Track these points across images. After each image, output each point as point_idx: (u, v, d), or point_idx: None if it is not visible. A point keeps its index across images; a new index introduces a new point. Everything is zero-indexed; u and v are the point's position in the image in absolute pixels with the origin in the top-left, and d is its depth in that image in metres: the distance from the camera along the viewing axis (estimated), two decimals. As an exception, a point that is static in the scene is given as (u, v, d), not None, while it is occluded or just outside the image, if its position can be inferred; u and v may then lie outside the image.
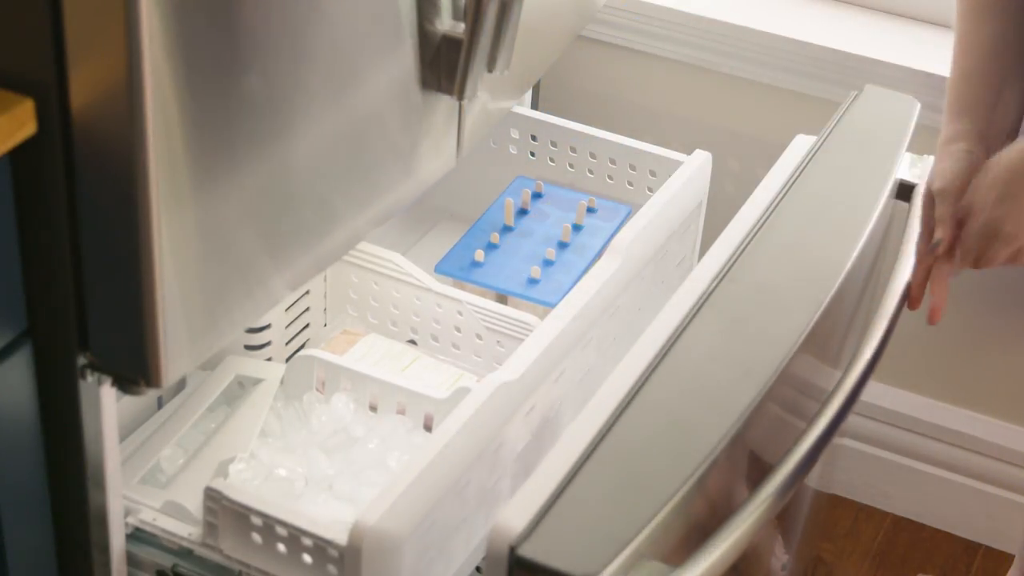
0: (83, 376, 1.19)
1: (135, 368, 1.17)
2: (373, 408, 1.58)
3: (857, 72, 1.92)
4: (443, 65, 1.39)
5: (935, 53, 1.94)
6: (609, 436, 1.18)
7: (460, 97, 1.40)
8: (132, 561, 1.37)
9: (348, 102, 1.29)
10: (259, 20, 1.14)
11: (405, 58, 1.35)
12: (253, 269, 1.23)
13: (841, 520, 2.14)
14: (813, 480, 1.70)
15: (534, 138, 1.89)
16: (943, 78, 1.64)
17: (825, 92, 1.95)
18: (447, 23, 1.38)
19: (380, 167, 1.38)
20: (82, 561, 1.29)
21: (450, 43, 1.38)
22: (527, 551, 1.08)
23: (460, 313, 1.67)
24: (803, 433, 1.26)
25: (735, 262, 1.39)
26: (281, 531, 1.31)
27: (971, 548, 2.11)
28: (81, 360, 1.18)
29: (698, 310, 1.31)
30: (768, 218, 1.47)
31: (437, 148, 1.46)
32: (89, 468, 1.24)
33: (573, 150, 1.88)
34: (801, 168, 1.56)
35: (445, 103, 1.44)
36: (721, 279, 1.36)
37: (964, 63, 1.39)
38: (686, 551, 1.12)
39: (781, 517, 1.54)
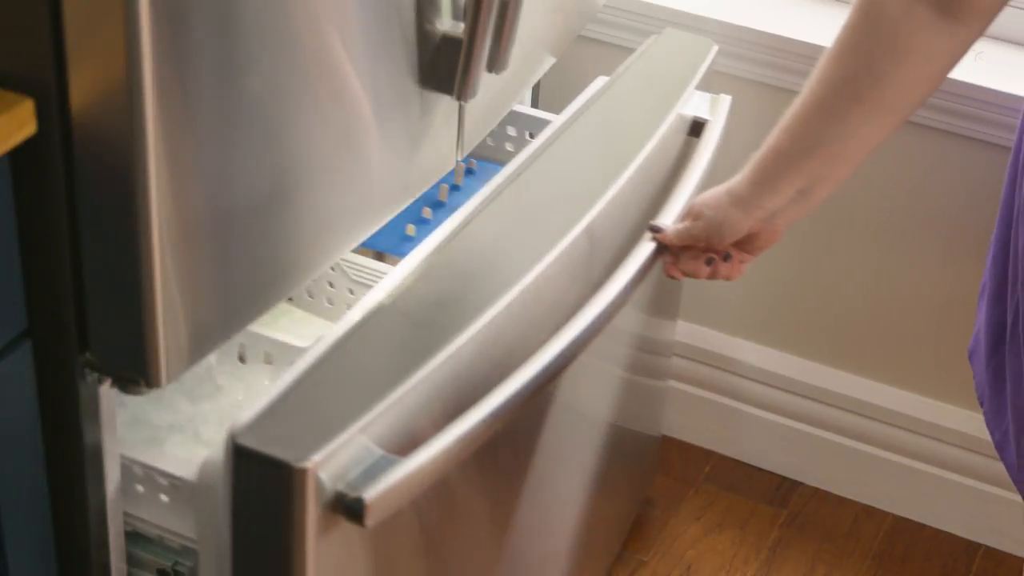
0: (83, 376, 1.19)
1: (135, 368, 1.17)
2: (242, 359, 1.59)
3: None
4: (443, 65, 1.39)
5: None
6: (350, 340, 1.27)
7: (460, 97, 1.40)
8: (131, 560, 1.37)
9: (348, 102, 1.29)
10: (259, 20, 1.14)
11: (405, 58, 1.35)
12: (252, 269, 1.23)
13: (841, 520, 2.14)
14: (609, 414, 1.78)
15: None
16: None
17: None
18: (447, 23, 1.38)
19: (380, 167, 1.38)
20: (82, 560, 1.29)
21: (450, 43, 1.38)
22: (245, 440, 1.15)
23: (332, 269, 1.69)
24: (540, 345, 1.33)
25: (506, 187, 1.49)
26: (138, 471, 1.32)
27: (971, 548, 2.11)
28: (81, 360, 1.18)
29: (460, 231, 1.42)
30: (548, 148, 1.55)
31: (437, 148, 1.46)
32: (88, 467, 1.24)
33: None
34: (590, 103, 1.64)
35: (445, 103, 1.44)
36: (490, 203, 1.46)
37: (781, 139, 1.36)
38: (415, 444, 1.20)
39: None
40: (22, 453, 1.21)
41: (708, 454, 2.23)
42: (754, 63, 1.97)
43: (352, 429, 1.17)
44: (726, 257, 1.45)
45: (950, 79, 1.86)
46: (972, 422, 2.06)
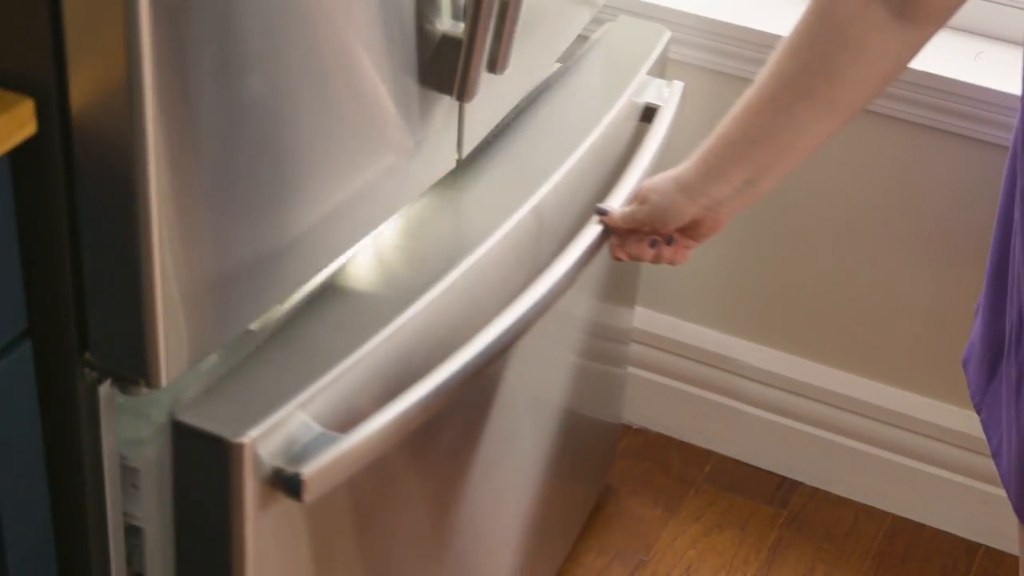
0: (83, 376, 1.19)
1: (135, 368, 1.17)
2: None
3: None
4: (443, 65, 1.39)
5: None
6: (294, 320, 1.30)
7: (460, 97, 1.40)
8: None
9: (348, 102, 1.29)
10: (259, 20, 1.14)
11: (405, 58, 1.35)
12: (252, 268, 1.23)
13: (841, 520, 2.14)
14: (563, 400, 1.79)
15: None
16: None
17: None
18: (447, 23, 1.38)
19: (380, 167, 1.38)
20: (82, 560, 1.29)
21: (450, 43, 1.38)
22: (184, 417, 1.19)
23: None
24: (483, 325, 1.36)
25: (458, 171, 1.51)
26: None
27: (971, 548, 2.11)
28: (81, 360, 1.18)
29: (408, 213, 1.46)
30: (500, 133, 1.59)
31: (437, 148, 1.46)
32: (88, 467, 1.24)
33: None
34: (542, 88, 1.68)
35: (445, 103, 1.44)
36: (440, 186, 1.49)
37: (731, 129, 1.37)
38: (356, 422, 1.23)
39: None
40: (22, 453, 1.21)
41: (708, 454, 2.23)
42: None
43: (291, 405, 1.19)
44: (670, 241, 1.47)
45: (950, 79, 1.87)
46: (972, 422, 2.06)
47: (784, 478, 2.20)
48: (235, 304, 1.23)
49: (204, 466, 1.18)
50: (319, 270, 1.34)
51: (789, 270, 2.10)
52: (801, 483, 2.19)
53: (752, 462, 2.21)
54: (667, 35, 1.82)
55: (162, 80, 1.05)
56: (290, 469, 1.17)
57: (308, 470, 1.16)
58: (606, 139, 1.64)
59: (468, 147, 1.53)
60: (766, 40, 1.91)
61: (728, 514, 2.13)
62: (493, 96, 1.55)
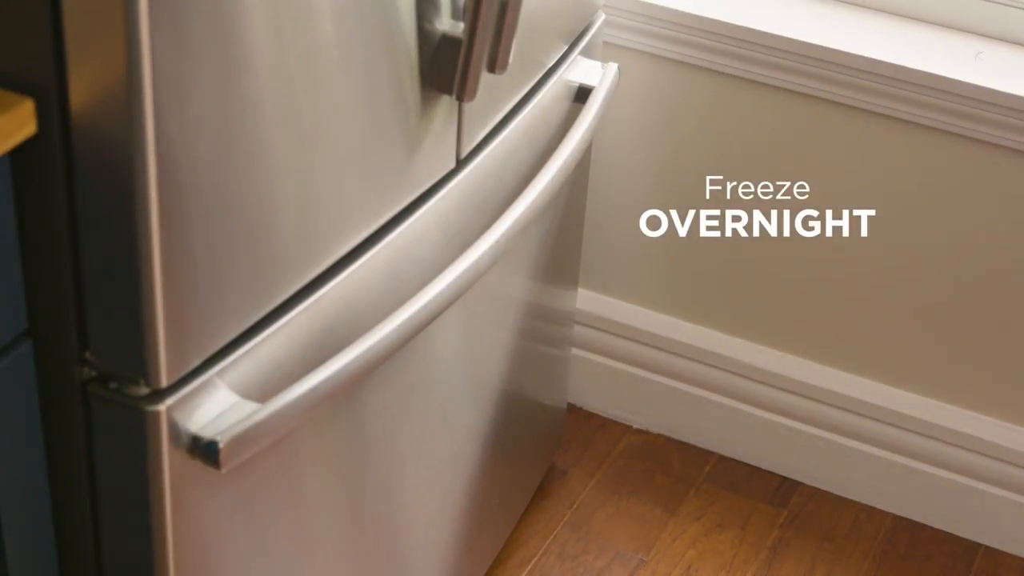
0: (83, 376, 1.19)
1: (135, 368, 1.17)
2: None
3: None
4: (443, 65, 1.39)
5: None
6: None
7: (460, 97, 1.40)
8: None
9: (348, 102, 1.29)
10: (258, 20, 1.14)
11: (405, 58, 1.35)
12: (252, 268, 1.23)
13: (841, 520, 2.14)
14: (500, 381, 1.80)
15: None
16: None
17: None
18: (447, 23, 1.38)
19: (379, 167, 1.38)
20: (84, 560, 1.29)
21: (450, 43, 1.38)
22: (99, 385, 1.19)
23: None
24: (406, 299, 1.38)
25: None
26: None
27: (971, 548, 2.11)
28: (81, 360, 1.18)
29: None
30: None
31: (437, 148, 1.46)
32: (88, 467, 1.24)
33: None
34: None
35: (445, 103, 1.44)
36: None
37: None
38: (276, 392, 1.24)
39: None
40: (22, 453, 1.21)
41: (708, 454, 2.23)
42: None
43: (209, 373, 1.19)
44: None
45: (950, 79, 1.87)
46: (972, 422, 2.06)
47: (784, 478, 2.20)
48: (235, 303, 1.23)
49: (121, 433, 1.19)
50: (320, 268, 1.34)
51: (790, 270, 2.10)
52: (801, 483, 2.19)
53: (752, 462, 2.21)
54: (602, 16, 1.84)
55: (162, 80, 1.05)
56: (207, 437, 1.19)
57: (225, 437, 1.18)
58: (536, 117, 1.66)
59: (468, 147, 1.53)
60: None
61: (728, 514, 2.13)
62: (493, 96, 1.55)
